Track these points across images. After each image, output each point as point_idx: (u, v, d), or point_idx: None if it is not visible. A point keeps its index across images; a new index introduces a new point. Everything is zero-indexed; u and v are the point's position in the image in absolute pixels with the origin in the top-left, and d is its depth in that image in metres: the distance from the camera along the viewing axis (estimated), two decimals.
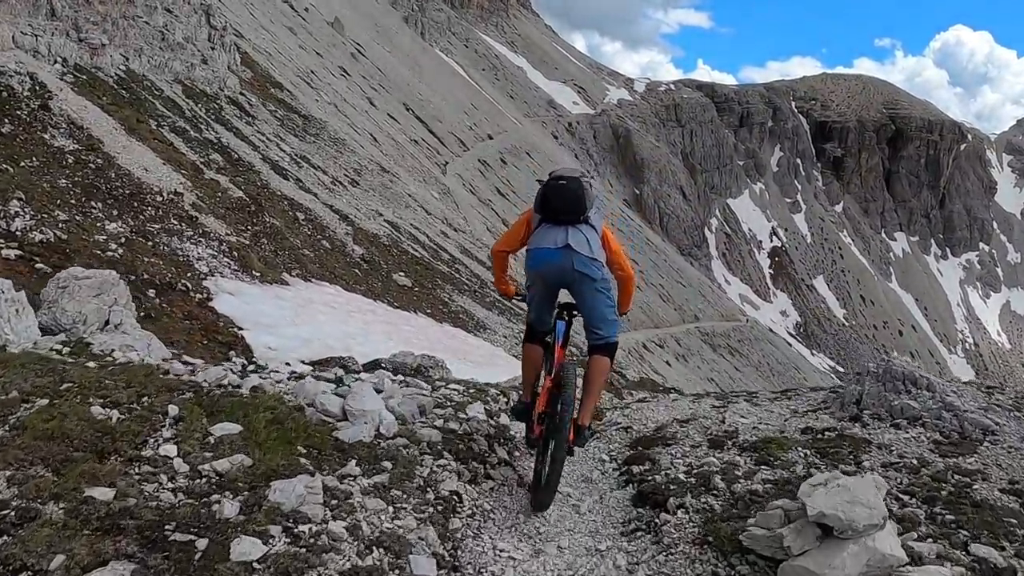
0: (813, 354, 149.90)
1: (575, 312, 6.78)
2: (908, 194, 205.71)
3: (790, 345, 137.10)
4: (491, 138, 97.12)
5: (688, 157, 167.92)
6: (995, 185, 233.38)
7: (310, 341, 17.87)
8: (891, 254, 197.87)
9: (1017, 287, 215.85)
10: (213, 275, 19.04)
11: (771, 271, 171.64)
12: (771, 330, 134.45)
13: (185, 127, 26.87)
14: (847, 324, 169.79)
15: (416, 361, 12.81)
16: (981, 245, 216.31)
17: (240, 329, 16.98)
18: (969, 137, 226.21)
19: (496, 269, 7.00)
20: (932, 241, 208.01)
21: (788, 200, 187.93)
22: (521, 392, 7.20)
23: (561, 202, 6.31)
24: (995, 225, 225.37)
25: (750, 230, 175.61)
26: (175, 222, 20.08)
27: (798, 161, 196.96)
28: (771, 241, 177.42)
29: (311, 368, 10.34)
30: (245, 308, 18.20)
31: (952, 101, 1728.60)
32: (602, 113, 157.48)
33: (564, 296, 6.69)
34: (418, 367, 12.58)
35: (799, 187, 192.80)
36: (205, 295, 17.61)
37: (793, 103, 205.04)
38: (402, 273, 25.92)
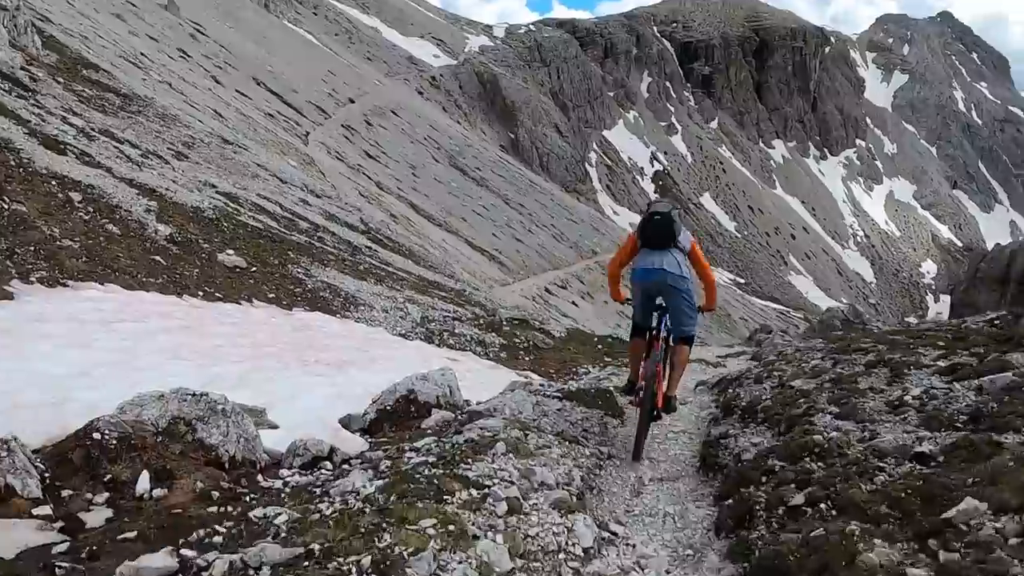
0: (712, 269, 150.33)
1: (666, 312, 8.74)
2: (780, 102, 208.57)
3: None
4: (352, 102, 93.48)
5: (558, 95, 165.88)
6: (863, 83, 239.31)
7: None
8: (772, 162, 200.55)
9: (897, 176, 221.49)
10: None
11: (657, 195, 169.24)
12: None
13: None
14: (740, 236, 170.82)
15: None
16: (858, 141, 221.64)
17: None
18: (832, 40, 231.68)
19: (611, 282, 9.15)
20: (810, 144, 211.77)
21: (663, 124, 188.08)
22: (631, 373, 9.28)
23: (657, 232, 8.43)
24: (868, 121, 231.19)
25: (630, 159, 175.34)
26: None
27: (668, 84, 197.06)
28: (652, 166, 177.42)
29: None
30: None
31: (808, 9, 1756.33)
32: (465, 62, 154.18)
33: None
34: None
35: (672, 110, 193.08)
36: None
37: (655, 28, 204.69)
38: (231, 251, 20.44)
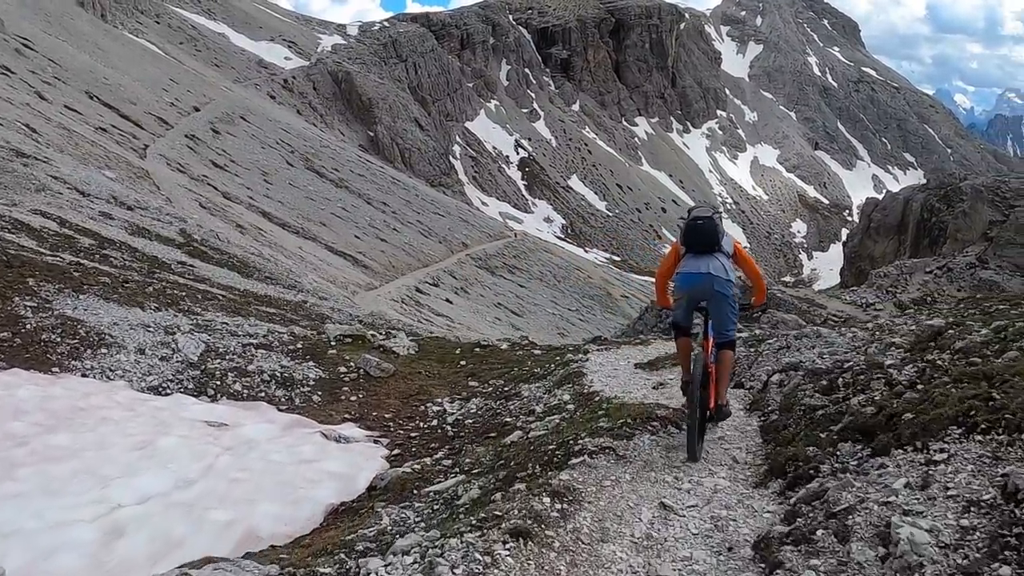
0: (587, 251, 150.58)
1: (708, 317, 8.87)
2: (640, 80, 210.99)
3: (564, 248, 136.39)
4: (198, 110, 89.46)
5: (417, 90, 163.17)
6: (719, 56, 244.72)
7: None
8: (636, 139, 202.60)
9: (760, 142, 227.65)
10: None
11: (525, 182, 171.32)
12: (542, 239, 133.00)
13: None
14: (611, 214, 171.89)
15: None
16: (719, 112, 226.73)
17: None
18: (687, 16, 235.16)
19: (659, 290, 9.50)
20: (672, 119, 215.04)
21: (525, 111, 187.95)
22: (683, 372, 9.12)
23: (701, 238, 8.53)
24: (727, 92, 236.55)
25: (494, 148, 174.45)
26: None
27: (527, 71, 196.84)
28: (517, 154, 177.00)
29: None
30: None
31: None
32: (318, 63, 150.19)
33: None
34: None
35: (533, 96, 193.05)
36: None
37: (511, 16, 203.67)
38: None
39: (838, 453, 6.96)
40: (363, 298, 51.74)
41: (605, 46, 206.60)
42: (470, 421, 13.06)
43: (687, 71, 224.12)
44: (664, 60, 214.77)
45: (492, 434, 11.45)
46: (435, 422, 13.44)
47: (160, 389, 13.77)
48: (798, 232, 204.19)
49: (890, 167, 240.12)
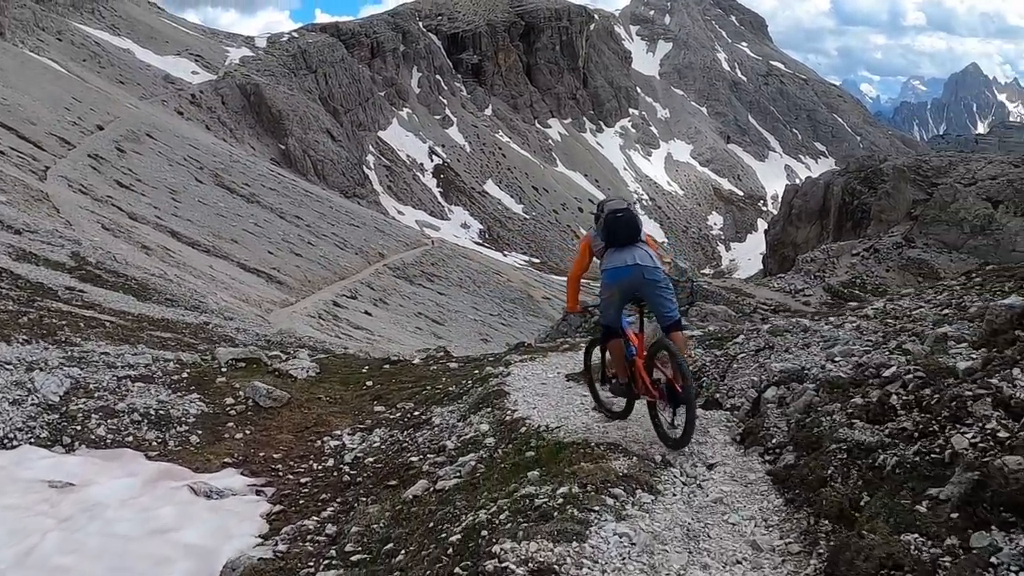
0: (506, 254, 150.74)
1: (644, 307, 8.88)
2: (552, 82, 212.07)
3: (482, 253, 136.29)
4: (101, 129, 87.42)
5: (328, 100, 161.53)
6: (629, 55, 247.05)
7: None
8: (550, 141, 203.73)
9: (673, 139, 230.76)
10: None
11: (440, 189, 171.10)
12: (459, 245, 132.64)
13: None
14: (528, 217, 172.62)
15: None
16: (631, 111, 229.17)
17: None
18: (596, 16, 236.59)
19: (571, 294, 9.49)
20: (585, 119, 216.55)
21: (438, 117, 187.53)
22: (619, 376, 8.93)
23: (625, 230, 8.42)
24: (639, 90, 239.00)
25: (408, 156, 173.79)
26: None
27: (438, 78, 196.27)
28: (432, 161, 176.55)
29: None
30: None
31: None
32: (226, 76, 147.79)
33: None
34: None
35: (445, 102, 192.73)
36: None
37: (421, 23, 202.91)
38: None
39: (974, 550, 4.39)
40: (278, 315, 50.93)
41: (516, 49, 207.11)
42: (371, 460, 11.38)
43: (598, 71, 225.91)
44: (575, 61, 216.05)
45: (393, 481, 10.10)
46: (331, 461, 11.77)
47: (4, 441, 11.59)
48: (715, 224, 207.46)
49: (802, 157, 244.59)
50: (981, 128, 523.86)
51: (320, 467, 11.64)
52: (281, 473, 11.52)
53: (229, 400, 13.95)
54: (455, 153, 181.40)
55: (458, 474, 9.01)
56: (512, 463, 8.45)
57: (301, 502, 10.38)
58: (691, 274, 37.95)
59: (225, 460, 11.89)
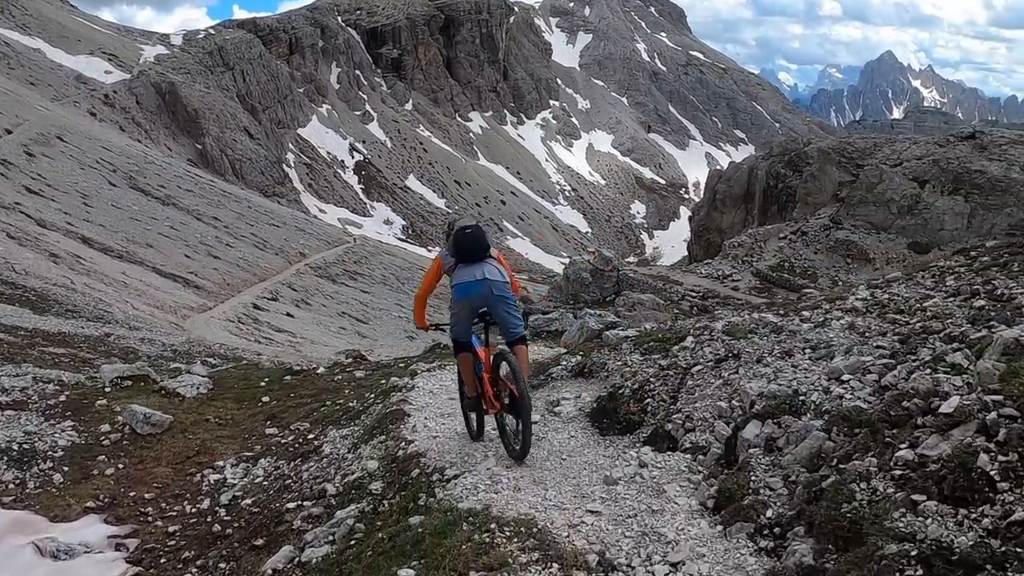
0: (429, 250, 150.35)
1: (492, 322, 8.85)
2: (472, 75, 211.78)
3: (405, 249, 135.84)
4: (9, 132, 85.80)
5: (246, 98, 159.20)
6: (550, 47, 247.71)
7: None
8: (471, 134, 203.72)
9: (594, 129, 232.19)
10: None
11: (362, 186, 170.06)
12: (382, 242, 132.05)
13: None
14: (451, 211, 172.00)
15: None
16: (552, 103, 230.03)
17: None
18: (516, 9, 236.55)
19: (418, 310, 9.47)
20: (506, 111, 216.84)
21: (358, 113, 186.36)
22: (467, 390, 9.09)
23: (473, 246, 8.54)
24: (559, 82, 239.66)
25: (329, 153, 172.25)
26: None
27: (358, 73, 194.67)
28: (352, 158, 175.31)
29: None
30: None
31: None
32: (140, 75, 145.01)
33: None
34: None
35: (365, 97, 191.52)
36: None
37: (339, 18, 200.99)
38: None
39: None
40: (195, 321, 50.46)
41: (436, 43, 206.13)
42: (249, 501, 10.17)
43: (518, 64, 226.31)
44: (495, 54, 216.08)
45: (260, 540, 9.00)
46: (207, 502, 10.57)
47: None
48: (637, 213, 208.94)
49: (722, 144, 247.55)
50: (897, 114, 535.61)
51: (194, 510, 10.52)
52: (151, 518, 10.42)
53: (105, 427, 12.58)
54: (376, 149, 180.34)
55: (330, 539, 8.02)
56: (390, 539, 6.90)
57: (163, 561, 9.39)
58: (616, 263, 38.07)
59: (88, 504, 10.56)
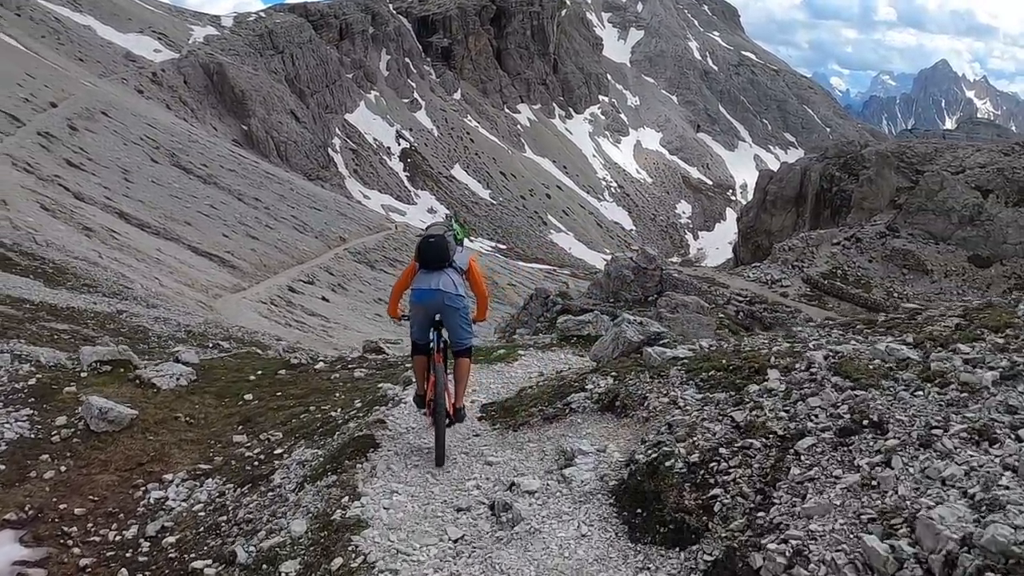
0: (472, 240, 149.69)
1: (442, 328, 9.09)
2: (521, 67, 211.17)
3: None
4: (55, 106, 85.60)
5: (294, 82, 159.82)
6: (601, 42, 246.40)
7: None
8: (519, 126, 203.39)
9: (642, 126, 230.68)
10: None
11: (407, 174, 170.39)
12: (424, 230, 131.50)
13: None
14: (495, 202, 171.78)
15: None
16: (601, 98, 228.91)
17: None
18: (568, 2, 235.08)
19: (392, 301, 9.43)
20: (554, 105, 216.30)
21: (406, 100, 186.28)
22: (417, 388, 9.38)
23: (432, 255, 8.70)
24: (609, 77, 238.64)
25: (375, 140, 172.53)
26: None
27: (407, 61, 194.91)
28: (399, 145, 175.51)
29: None
30: None
31: None
32: (189, 55, 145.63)
33: None
34: None
35: (414, 85, 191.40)
36: None
37: (391, 5, 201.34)
38: None
39: None
40: (226, 301, 49.71)
41: (486, 33, 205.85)
42: (172, 541, 8.47)
43: (569, 57, 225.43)
44: (546, 47, 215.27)
45: None
46: (135, 529, 8.93)
47: None
48: (683, 213, 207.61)
49: (771, 147, 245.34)
50: (949, 124, 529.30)
51: (117, 539, 8.83)
52: (71, 542, 8.82)
53: (61, 420, 11.04)
54: (423, 137, 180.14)
55: None
56: None
57: None
58: (660, 261, 36.30)
59: (8, 516, 9.03)
